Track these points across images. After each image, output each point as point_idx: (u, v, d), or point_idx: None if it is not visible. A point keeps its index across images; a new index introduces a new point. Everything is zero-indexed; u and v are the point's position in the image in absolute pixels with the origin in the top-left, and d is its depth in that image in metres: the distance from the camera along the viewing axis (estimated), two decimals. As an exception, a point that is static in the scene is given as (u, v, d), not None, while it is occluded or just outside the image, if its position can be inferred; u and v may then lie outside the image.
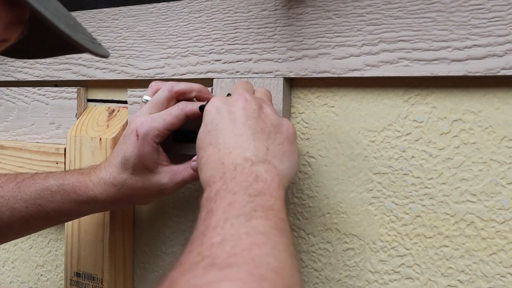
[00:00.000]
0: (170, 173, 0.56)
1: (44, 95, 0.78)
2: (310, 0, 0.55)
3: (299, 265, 0.35)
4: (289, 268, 0.34)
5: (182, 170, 0.56)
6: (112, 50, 0.71)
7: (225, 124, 0.46)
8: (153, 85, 0.58)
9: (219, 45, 0.62)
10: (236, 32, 0.60)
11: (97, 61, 0.73)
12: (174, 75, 0.65)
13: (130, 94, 0.68)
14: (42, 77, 0.78)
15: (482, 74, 0.47)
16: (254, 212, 0.37)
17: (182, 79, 0.66)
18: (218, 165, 0.44)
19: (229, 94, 0.60)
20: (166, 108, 0.56)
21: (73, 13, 0.75)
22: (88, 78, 0.73)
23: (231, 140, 0.45)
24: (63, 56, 0.76)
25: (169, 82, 0.57)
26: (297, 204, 0.58)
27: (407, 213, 0.52)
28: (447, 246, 0.50)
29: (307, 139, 0.58)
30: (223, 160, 0.44)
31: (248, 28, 0.60)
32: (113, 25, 0.71)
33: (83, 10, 0.74)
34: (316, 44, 0.55)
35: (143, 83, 0.70)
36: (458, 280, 0.50)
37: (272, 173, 0.43)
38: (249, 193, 0.39)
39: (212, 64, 0.62)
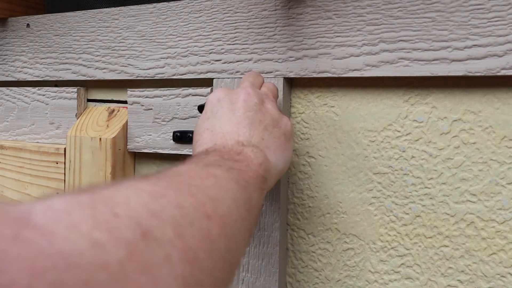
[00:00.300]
0: None
1: (44, 95, 0.78)
2: (310, 0, 0.55)
3: (246, 222, 0.34)
4: (225, 205, 0.33)
5: None
6: (112, 50, 0.71)
7: (224, 113, 0.47)
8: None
9: (219, 45, 0.62)
10: (236, 32, 0.60)
11: (97, 61, 0.73)
12: (174, 75, 0.65)
13: (130, 94, 0.68)
14: (42, 77, 0.78)
15: (482, 74, 0.47)
16: (218, 166, 0.37)
17: (182, 79, 0.66)
18: (210, 145, 0.44)
19: (229, 94, 0.60)
20: None
21: (73, 13, 0.75)
22: (88, 78, 0.73)
23: (227, 127, 0.45)
24: (63, 56, 0.76)
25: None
26: (297, 204, 0.58)
27: (407, 213, 0.52)
28: (447, 246, 0.50)
29: (307, 139, 0.58)
30: (216, 141, 0.44)
31: (248, 28, 0.60)
32: (113, 25, 0.71)
33: (83, 10, 0.74)
34: (316, 44, 0.55)
35: (143, 83, 0.70)
36: (458, 280, 0.50)
37: (258, 155, 0.43)
38: (225, 157, 0.40)
39: (212, 64, 0.62)
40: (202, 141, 0.46)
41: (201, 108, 0.53)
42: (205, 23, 0.63)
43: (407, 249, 0.52)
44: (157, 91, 0.66)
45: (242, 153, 0.42)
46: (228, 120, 0.46)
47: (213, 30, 0.62)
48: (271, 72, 0.58)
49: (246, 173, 0.39)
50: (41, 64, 0.78)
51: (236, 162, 0.40)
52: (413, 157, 0.52)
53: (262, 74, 0.58)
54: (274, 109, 0.49)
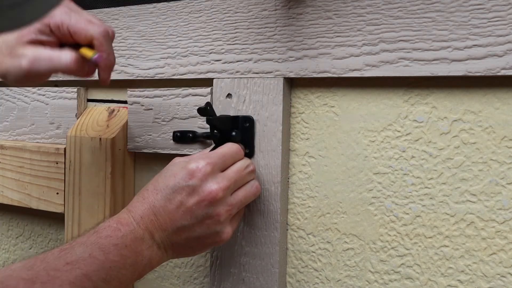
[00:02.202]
0: None
1: (44, 95, 0.78)
2: (310, 0, 0.55)
3: None
4: None
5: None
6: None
7: (164, 177, 0.50)
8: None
9: (219, 45, 0.62)
10: (236, 32, 0.60)
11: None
12: (174, 75, 0.65)
13: (130, 94, 0.68)
14: (42, 77, 0.78)
15: (482, 74, 0.47)
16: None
17: (182, 79, 0.66)
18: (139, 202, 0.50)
19: (229, 95, 0.60)
20: None
21: (73, 13, 0.75)
22: (88, 78, 0.73)
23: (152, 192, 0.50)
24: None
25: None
26: (297, 204, 0.58)
27: (407, 213, 0.52)
28: (447, 246, 0.50)
29: (307, 139, 0.58)
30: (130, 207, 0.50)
31: (248, 28, 0.60)
32: (113, 25, 0.71)
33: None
34: (316, 44, 0.55)
35: (143, 83, 0.70)
36: (458, 280, 0.50)
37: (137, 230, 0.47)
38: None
39: (212, 64, 0.62)
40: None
41: (200, 110, 0.53)
42: (205, 23, 0.63)
43: (407, 249, 0.52)
44: (157, 91, 0.66)
45: (120, 222, 0.48)
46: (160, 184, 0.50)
47: (213, 30, 0.62)
48: (271, 72, 0.58)
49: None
50: (41, 64, 0.78)
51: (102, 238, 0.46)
52: (413, 157, 0.52)
53: (262, 74, 0.58)
54: (202, 207, 0.49)
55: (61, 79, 0.76)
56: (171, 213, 0.47)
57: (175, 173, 0.48)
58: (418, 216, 0.52)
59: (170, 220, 0.47)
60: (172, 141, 0.64)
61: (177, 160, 0.51)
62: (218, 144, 0.55)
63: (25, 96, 0.80)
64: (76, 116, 0.74)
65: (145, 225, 0.46)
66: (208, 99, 0.62)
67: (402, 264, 0.53)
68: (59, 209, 0.73)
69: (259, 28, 0.59)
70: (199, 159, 0.49)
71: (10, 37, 0.48)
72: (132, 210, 0.48)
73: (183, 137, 0.63)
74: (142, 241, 0.46)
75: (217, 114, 0.59)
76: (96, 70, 0.53)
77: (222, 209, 0.49)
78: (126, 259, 0.43)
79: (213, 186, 0.48)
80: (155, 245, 0.47)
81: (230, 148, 0.53)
